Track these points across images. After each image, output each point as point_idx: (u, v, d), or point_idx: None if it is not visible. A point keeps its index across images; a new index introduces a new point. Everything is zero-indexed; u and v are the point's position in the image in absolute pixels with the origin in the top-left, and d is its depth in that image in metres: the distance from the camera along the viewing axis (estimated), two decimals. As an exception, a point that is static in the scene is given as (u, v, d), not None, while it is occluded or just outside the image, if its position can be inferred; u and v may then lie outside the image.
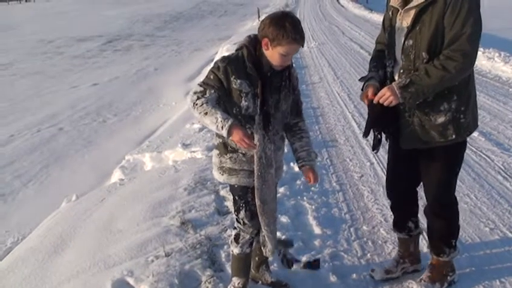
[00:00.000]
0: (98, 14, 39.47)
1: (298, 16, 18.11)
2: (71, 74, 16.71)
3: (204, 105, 2.64)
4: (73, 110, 11.48)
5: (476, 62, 7.95)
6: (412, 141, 2.95)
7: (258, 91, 2.72)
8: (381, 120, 2.97)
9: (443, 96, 2.79)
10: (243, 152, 2.82)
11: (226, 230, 3.99)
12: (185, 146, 6.37)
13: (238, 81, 2.70)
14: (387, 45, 3.02)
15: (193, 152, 6.08)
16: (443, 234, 3.16)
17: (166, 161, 6.26)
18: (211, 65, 2.77)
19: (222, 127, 2.57)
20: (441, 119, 2.83)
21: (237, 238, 3.05)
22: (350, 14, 26.86)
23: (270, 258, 3.29)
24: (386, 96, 2.78)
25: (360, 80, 3.15)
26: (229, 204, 4.49)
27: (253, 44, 2.77)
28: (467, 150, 5.38)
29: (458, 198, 4.35)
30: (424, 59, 2.74)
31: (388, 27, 2.99)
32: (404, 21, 2.83)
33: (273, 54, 2.72)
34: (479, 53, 10.22)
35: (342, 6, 33.76)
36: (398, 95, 2.74)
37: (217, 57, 2.64)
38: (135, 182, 5.52)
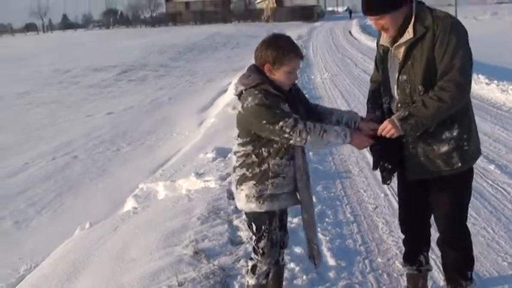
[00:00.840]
0: (113, 44, 40.14)
1: (311, 48, 18.19)
2: (86, 103, 16.94)
3: (317, 124, 2.75)
4: (87, 139, 11.60)
5: (491, 95, 7.95)
6: (418, 172, 2.96)
7: (293, 111, 2.79)
8: (386, 152, 2.99)
9: (444, 125, 2.82)
10: (284, 175, 2.87)
11: (240, 260, 3.96)
12: (198, 175, 6.39)
13: (286, 105, 2.77)
14: (382, 82, 3.06)
15: (207, 181, 6.08)
16: (458, 266, 3.12)
17: (179, 190, 6.27)
18: (255, 112, 2.74)
19: (346, 135, 2.78)
20: (445, 148, 2.84)
21: (253, 269, 3.04)
22: (363, 46, 27.05)
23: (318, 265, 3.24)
24: (388, 129, 2.82)
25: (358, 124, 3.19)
26: (243, 234, 4.48)
27: (261, 74, 2.82)
28: (483, 183, 5.40)
29: (475, 231, 4.33)
30: (420, 92, 2.78)
31: (381, 65, 3.04)
32: (396, 58, 2.88)
33: (279, 76, 2.80)
34: (493, 85, 10.14)
35: (355, 38, 34.02)
36: (399, 127, 2.78)
37: (254, 103, 2.67)
38: (148, 211, 5.53)
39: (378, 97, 3.11)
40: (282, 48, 2.76)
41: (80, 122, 13.86)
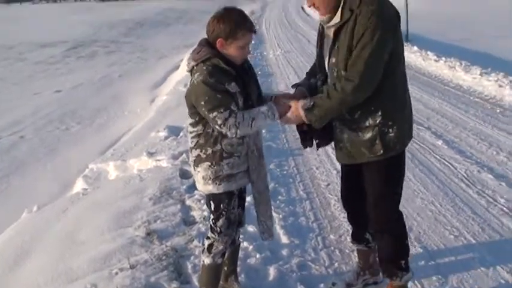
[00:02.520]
0: (61, 19, 38.83)
1: (264, 24, 18.08)
2: (33, 81, 16.37)
3: (245, 115, 2.71)
4: (35, 118, 11.24)
5: (439, 72, 8.09)
6: (344, 157, 2.97)
7: (241, 88, 2.77)
8: (309, 132, 2.96)
9: (367, 112, 2.77)
10: (238, 154, 2.86)
11: (193, 240, 3.94)
12: (150, 154, 6.28)
13: (232, 83, 2.73)
14: (318, 57, 3.00)
15: (159, 160, 5.99)
16: (392, 256, 3.07)
17: (131, 169, 6.15)
18: (198, 88, 2.70)
19: (273, 114, 2.75)
20: (368, 135, 2.80)
21: (210, 248, 3.02)
22: (315, 23, 27.06)
23: (269, 240, 3.28)
24: (295, 114, 2.80)
25: (292, 86, 3.18)
26: (196, 213, 4.45)
27: (213, 48, 2.77)
28: (431, 158, 5.54)
29: (423, 206, 4.45)
30: (343, 77, 2.71)
31: (319, 41, 2.98)
32: (327, 38, 2.85)
33: (231, 51, 2.76)
34: (441, 62, 10.30)
35: (308, 14, 34.02)
36: (304, 117, 2.76)
37: (200, 79, 2.63)
38: (98, 192, 5.41)
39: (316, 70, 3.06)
40: (235, 23, 2.71)
41: (27, 100, 13.37)
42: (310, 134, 2.98)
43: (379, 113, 2.76)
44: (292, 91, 3.10)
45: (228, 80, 2.71)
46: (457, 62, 10.70)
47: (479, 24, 20.13)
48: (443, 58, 11.28)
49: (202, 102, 2.69)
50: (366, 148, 2.83)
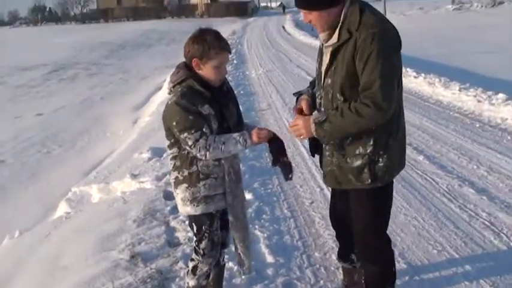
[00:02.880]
0: (42, 42, 38.70)
1: (245, 44, 18.21)
2: (14, 104, 16.25)
3: (216, 139, 2.71)
4: (16, 141, 11.15)
5: (419, 88, 8.15)
6: (331, 180, 2.92)
7: (216, 110, 2.78)
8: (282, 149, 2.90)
9: (359, 140, 2.71)
10: (215, 176, 2.85)
11: (178, 262, 3.91)
12: (134, 176, 6.25)
13: (205, 106, 2.75)
14: (317, 76, 2.94)
15: (142, 182, 5.96)
16: (376, 282, 3.03)
17: (114, 192, 6.11)
18: (170, 109, 2.73)
19: (245, 139, 2.75)
20: (358, 163, 2.74)
21: (194, 270, 3.02)
22: (296, 41, 27.38)
23: (247, 275, 3.22)
24: (299, 128, 2.74)
25: (293, 94, 3.14)
26: (181, 235, 4.42)
27: (190, 70, 2.81)
28: (413, 174, 5.58)
29: (406, 221, 4.48)
30: (339, 100, 2.68)
31: (318, 57, 2.93)
32: (325, 56, 2.78)
33: (207, 71, 2.79)
34: (420, 78, 10.43)
35: (289, 33, 34.38)
36: (313, 131, 2.69)
37: (173, 100, 2.69)
38: (81, 215, 5.37)
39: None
40: (208, 42, 2.74)
41: (7, 124, 13.26)
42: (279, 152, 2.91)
43: (371, 142, 2.71)
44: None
45: (201, 102, 2.73)
46: (437, 78, 10.87)
47: (457, 41, 20.53)
48: (423, 74, 11.45)
49: (174, 123, 2.72)
50: (353, 176, 2.78)
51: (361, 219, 2.91)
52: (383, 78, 2.53)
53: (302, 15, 2.82)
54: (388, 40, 2.59)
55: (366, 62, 2.54)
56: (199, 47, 2.74)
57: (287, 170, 2.98)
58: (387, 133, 2.73)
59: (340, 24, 2.65)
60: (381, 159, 2.74)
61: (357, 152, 2.73)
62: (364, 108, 2.55)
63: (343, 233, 3.25)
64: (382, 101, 2.53)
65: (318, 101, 2.89)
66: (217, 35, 2.81)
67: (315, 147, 2.98)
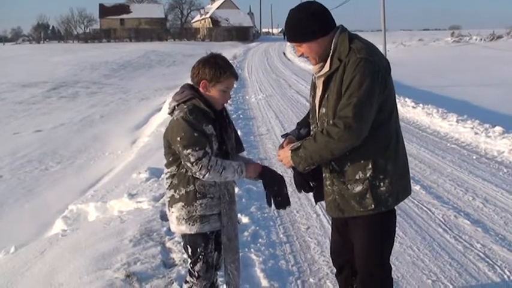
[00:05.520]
0: (44, 59, 38.91)
1: (246, 68, 18.41)
2: (13, 120, 16.30)
3: (219, 161, 2.78)
4: (14, 158, 11.15)
5: (417, 118, 8.21)
6: (334, 210, 2.89)
7: (217, 132, 2.87)
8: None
9: (357, 164, 2.72)
10: (211, 195, 2.90)
11: (173, 283, 3.91)
12: (131, 196, 6.27)
13: (209, 125, 2.82)
14: (311, 110, 2.99)
15: (140, 202, 5.98)
16: None
17: (111, 211, 6.12)
18: (176, 125, 2.80)
19: (242, 170, 2.85)
20: (358, 188, 2.74)
21: (188, 292, 3.02)
22: (296, 68, 27.64)
23: None
24: (280, 158, 2.88)
25: (282, 136, 3.19)
26: (176, 256, 4.43)
27: (196, 91, 2.89)
28: (409, 203, 5.61)
29: (401, 250, 4.49)
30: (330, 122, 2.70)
31: (312, 91, 2.99)
32: (318, 88, 2.83)
33: (213, 94, 2.88)
34: (418, 108, 10.52)
35: (289, 59, 34.71)
36: (289, 158, 2.77)
37: (180, 116, 2.75)
38: (78, 233, 5.36)
39: (309, 118, 3.06)
40: (219, 67, 2.86)
41: (5, 139, 13.28)
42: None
43: (370, 166, 2.71)
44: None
45: (206, 121, 2.81)
46: (434, 108, 10.99)
47: (455, 73, 20.73)
48: (421, 105, 11.57)
49: (179, 138, 2.76)
50: (356, 202, 2.77)
51: (365, 247, 2.90)
52: (359, 101, 2.58)
53: (295, 49, 2.91)
54: (372, 66, 2.63)
55: (348, 86, 2.61)
56: (210, 71, 2.84)
57: (277, 198, 3.04)
58: (385, 158, 2.75)
59: (331, 53, 2.72)
60: (382, 184, 2.75)
61: (357, 177, 2.74)
62: (334, 129, 2.60)
63: (344, 267, 3.22)
64: (352, 120, 2.57)
65: (312, 133, 2.91)
66: (227, 60, 2.95)
67: (301, 182, 2.99)
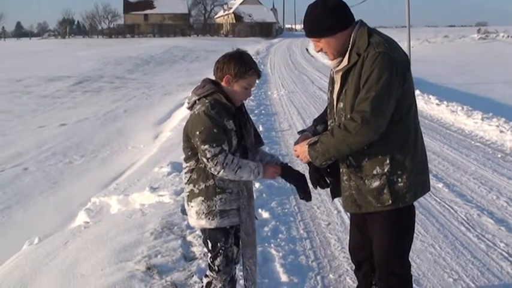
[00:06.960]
0: (69, 54, 39.40)
1: (268, 64, 18.43)
2: (39, 114, 16.52)
3: (235, 160, 2.78)
4: (39, 150, 11.29)
5: (441, 115, 8.11)
6: (351, 205, 2.88)
7: (237, 127, 2.87)
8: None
9: (375, 159, 2.71)
10: (230, 190, 2.90)
11: (193, 276, 3.94)
12: (153, 189, 6.32)
13: (230, 121, 2.83)
14: (329, 105, 2.99)
15: (161, 195, 6.03)
16: None
17: (133, 204, 6.19)
18: (197, 118, 2.81)
19: (258, 172, 2.85)
20: (376, 183, 2.73)
21: (208, 286, 3.06)
22: (319, 64, 27.50)
23: None
24: (296, 154, 2.87)
25: (298, 133, 3.20)
26: (196, 249, 4.46)
27: (217, 85, 2.90)
28: (431, 201, 5.56)
29: (423, 248, 4.45)
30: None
31: (330, 86, 2.98)
32: (336, 83, 2.84)
33: (236, 89, 2.88)
34: (443, 106, 10.39)
35: (312, 56, 34.54)
36: (306, 153, 2.77)
37: (201, 110, 2.77)
38: (100, 225, 5.43)
39: (326, 114, 3.06)
40: (245, 63, 2.88)
41: (31, 133, 13.48)
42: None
43: (387, 161, 2.70)
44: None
45: (227, 116, 2.82)
46: (459, 106, 10.84)
47: (481, 70, 20.42)
48: (445, 102, 11.43)
49: (198, 132, 2.77)
50: (373, 197, 2.76)
51: (383, 243, 2.89)
52: (377, 95, 2.56)
53: (313, 44, 2.90)
54: (391, 60, 2.61)
55: (366, 80, 2.60)
56: (236, 66, 2.85)
57: (302, 192, 3.10)
58: (403, 153, 2.73)
59: (349, 47, 2.72)
60: (400, 179, 2.73)
61: (375, 172, 2.72)
62: (351, 123, 2.59)
63: (363, 265, 3.22)
64: (370, 115, 2.55)
65: (329, 128, 2.89)
66: (252, 59, 2.96)
67: (332, 187, 3.01)
